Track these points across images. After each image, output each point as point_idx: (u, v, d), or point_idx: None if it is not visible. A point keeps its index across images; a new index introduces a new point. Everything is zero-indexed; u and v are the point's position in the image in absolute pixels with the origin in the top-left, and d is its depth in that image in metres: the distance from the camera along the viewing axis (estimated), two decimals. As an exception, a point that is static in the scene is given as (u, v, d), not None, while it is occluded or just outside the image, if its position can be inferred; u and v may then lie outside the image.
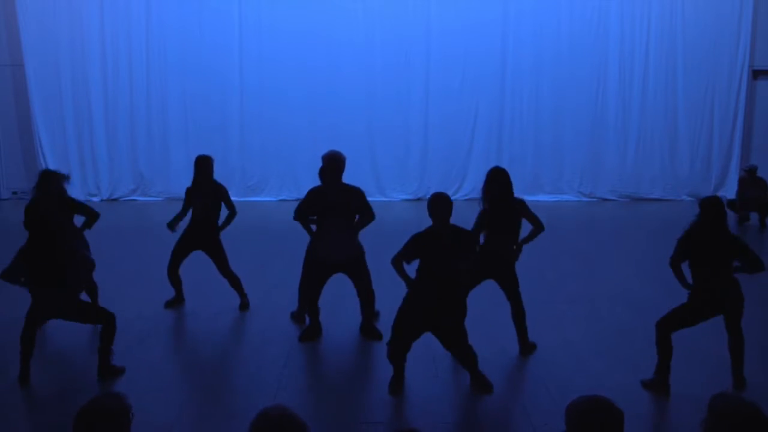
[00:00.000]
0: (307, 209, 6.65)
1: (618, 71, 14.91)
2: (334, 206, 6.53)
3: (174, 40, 14.51)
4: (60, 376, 6.02)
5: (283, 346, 6.59)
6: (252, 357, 6.43)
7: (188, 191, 7.63)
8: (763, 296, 7.76)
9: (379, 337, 6.71)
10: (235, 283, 7.72)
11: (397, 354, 5.63)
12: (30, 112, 14.58)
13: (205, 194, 7.55)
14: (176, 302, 7.74)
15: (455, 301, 5.49)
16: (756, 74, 15.06)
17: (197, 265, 8.08)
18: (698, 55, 14.83)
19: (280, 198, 14.61)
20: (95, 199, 14.66)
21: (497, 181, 6.25)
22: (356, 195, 6.64)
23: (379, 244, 8.53)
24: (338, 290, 7.36)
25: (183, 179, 14.13)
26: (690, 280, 5.63)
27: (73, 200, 7.19)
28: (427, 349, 6.46)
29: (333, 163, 6.57)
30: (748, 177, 12.51)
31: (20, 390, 5.69)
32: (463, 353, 5.59)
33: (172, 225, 7.63)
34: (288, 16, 14.45)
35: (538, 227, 6.31)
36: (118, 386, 5.67)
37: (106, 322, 5.81)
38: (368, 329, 6.87)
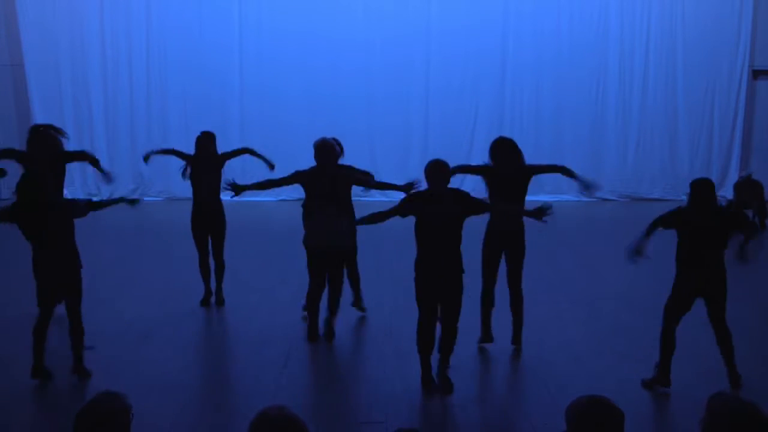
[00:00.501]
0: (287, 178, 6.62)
1: (618, 71, 14.89)
2: (323, 192, 6.47)
3: (174, 40, 14.49)
4: (57, 375, 6.01)
5: (283, 346, 6.59)
6: (252, 357, 6.44)
7: (188, 162, 7.75)
8: (763, 297, 7.76)
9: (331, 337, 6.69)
10: (219, 271, 7.67)
11: (426, 336, 5.52)
12: (30, 112, 14.54)
13: (208, 173, 7.55)
14: (208, 299, 7.72)
15: (457, 260, 5.46)
16: (756, 74, 15.05)
17: (196, 263, 8.08)
18: (698, 55, 14.82)
19: (280, 198, 14.58)
20: (95, 199, 14.60)
21: (499, 148, 6.46)
22: (347, 174, 6.70)
23: (379, 244, 8.54)
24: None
25: (183, 179, 14.20)
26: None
27: (68, 153, 7.46)
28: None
29: (325, 150, 6.52)
30: (744, 183, 12.51)
31: (20, 389, 5.68)
32: (452, 330, 5.57)
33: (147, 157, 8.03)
34: (288, 16, 14.43)
35: (559, 169, 6.67)
36: (118, 386, 5.65)
37: (78, 317, 5.79)
38: (327, 331, 6.75)
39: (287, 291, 7.77)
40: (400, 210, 5.51)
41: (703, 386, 5.39)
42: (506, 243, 6.35)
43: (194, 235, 7.66)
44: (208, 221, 7.61)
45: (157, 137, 14.79)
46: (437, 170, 5.42)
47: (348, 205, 6.72)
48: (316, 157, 6.51)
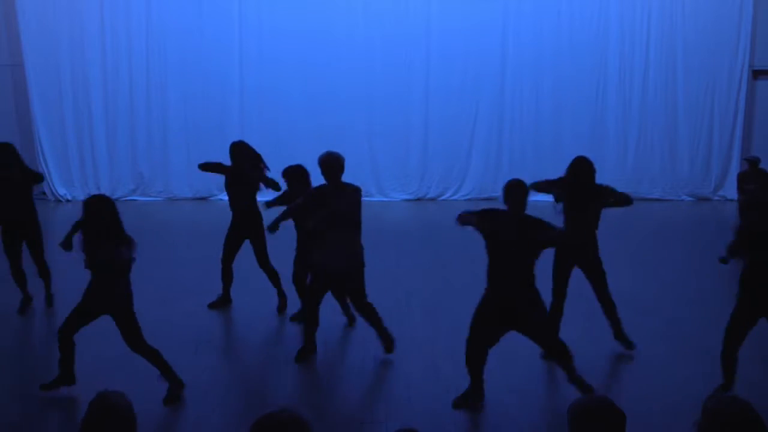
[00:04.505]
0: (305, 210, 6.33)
1: (618, 71, 14.91)
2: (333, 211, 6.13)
3: (174, 40, 14.50)
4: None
5: (284, 346, 6.59)
6: (253, 357, 6.44)
7: (227, 174, 7.57)
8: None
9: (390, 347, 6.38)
10: (273, 278, 7.61)
11: (474, 357, 5.33)
12: (30, 112, 14.57)
13: (241, 182, 7.47)
14: (222, 303, 7.67)
15: (531, 291, 5.22)
16: (756, 74, 15.06)
17: (196, 263, 8.09)
18: (698, 55, 14.84)
19: (280, 198, 14.61)
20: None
21: (576, 168, 6.54)
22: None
23: (379, 244, 8.54)
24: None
25: (183, 179, 14.21)
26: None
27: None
28: (427, 349, 6.47)
29: (327, 165, 6.19)
30: (750, 169, 12.39)
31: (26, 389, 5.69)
32: (553, 348, 5.37)
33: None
34: (288, 16, 14.45)
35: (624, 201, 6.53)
36: (118, 386, 5.64)
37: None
38: (386, 345, 6.39)
39: (288, 291, 7.76)
40: (476, 217, 5.30)
41: (704, 387, 5.40)
42: (578, 261, 6.31)
43: (227, 235, 7.63)
44: (245, 231, 7.56)
45: (157, 137, 14.82)
46: (515, 191, 5.22)
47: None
48: (324, 174, 6.18)
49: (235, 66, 14.65)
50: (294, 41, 14.44)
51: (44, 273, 7.58)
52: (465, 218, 5.30)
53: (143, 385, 5.46)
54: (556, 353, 5.38)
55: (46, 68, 14.47)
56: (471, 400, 5.37)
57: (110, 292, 5.32)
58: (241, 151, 7.47)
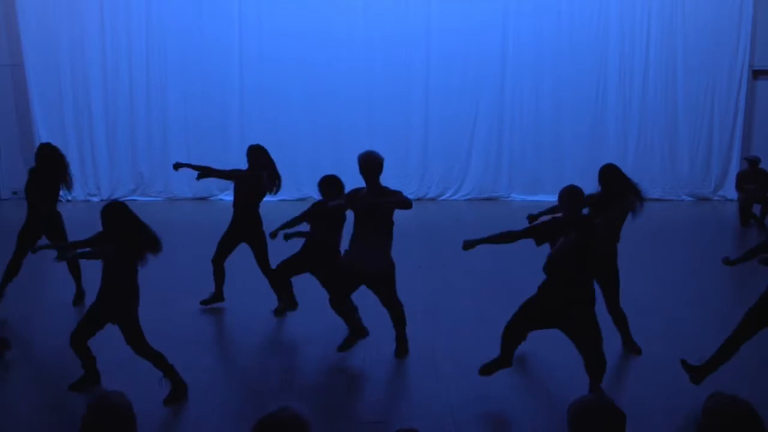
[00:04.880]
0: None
1: (618, 71, 14.91)
2: (364, 210, 6.10)
3: (174, 40, 14.52)
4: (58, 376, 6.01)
5: (284, 347, 6.59)
6: (253, 357, 6.43)
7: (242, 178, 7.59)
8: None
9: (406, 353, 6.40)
10: (272, 283, 7.58)
11: (511, 337, 5.47)
12: (30, 112, 14.58)
13: (253, 186, 7.49)
14: (213, 300, 7.69)
15: (584, 292, 5.34)
16: (756, 74, 15.06)
17: (196, 264, 8.07)
18: (698, 55, 14.84)
19: (280, 198, 14.56)
20: (95, 199, 14.65)
21: (606, 175, 6.82)
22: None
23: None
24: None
25: (183, 179, 14.22)
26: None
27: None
28: (427, 349, 6.47)
29: (364, 165, 6.11)
30: (750, 169, 12.40)
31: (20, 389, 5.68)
32: (590, 357, 5.32)
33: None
34: (288, 16, 14.46)
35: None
36: (117, 386, 5.63)
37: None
38: (400, 349, 6.41)
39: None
40: (533, 234, 5.42)
41: (704, 387, 5.40)
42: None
43: (221, 239, 7.67)
44: (242, 234, 7.58)
45: (157, 137, 14.83)
46: (573, 196, 5.38)
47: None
48: (361, 173, 6.11)
49: (235, 66, 14.66)
50: (294, 41, 14.45)
51: (74, 270, 7.70)
52: (522, 236, 5.43)
53: (144, 385, 5.46)
54: (592, 362, 5.31)
55: (46, 68, 14.48)
56: (498, 367, 5.52)
57: (119, 301, 5.34)
58: (260, 155, 7.50)
